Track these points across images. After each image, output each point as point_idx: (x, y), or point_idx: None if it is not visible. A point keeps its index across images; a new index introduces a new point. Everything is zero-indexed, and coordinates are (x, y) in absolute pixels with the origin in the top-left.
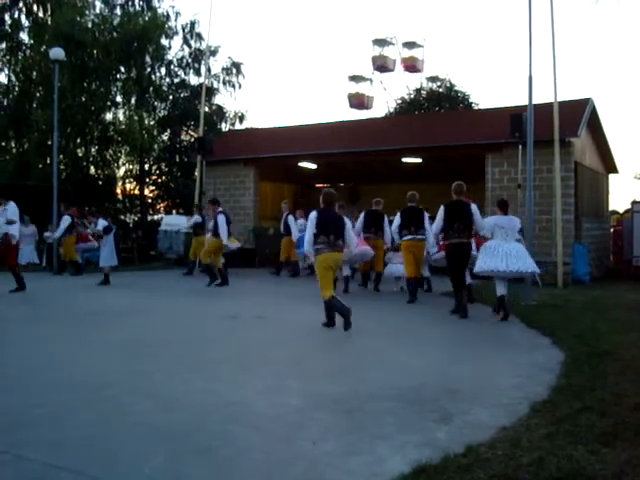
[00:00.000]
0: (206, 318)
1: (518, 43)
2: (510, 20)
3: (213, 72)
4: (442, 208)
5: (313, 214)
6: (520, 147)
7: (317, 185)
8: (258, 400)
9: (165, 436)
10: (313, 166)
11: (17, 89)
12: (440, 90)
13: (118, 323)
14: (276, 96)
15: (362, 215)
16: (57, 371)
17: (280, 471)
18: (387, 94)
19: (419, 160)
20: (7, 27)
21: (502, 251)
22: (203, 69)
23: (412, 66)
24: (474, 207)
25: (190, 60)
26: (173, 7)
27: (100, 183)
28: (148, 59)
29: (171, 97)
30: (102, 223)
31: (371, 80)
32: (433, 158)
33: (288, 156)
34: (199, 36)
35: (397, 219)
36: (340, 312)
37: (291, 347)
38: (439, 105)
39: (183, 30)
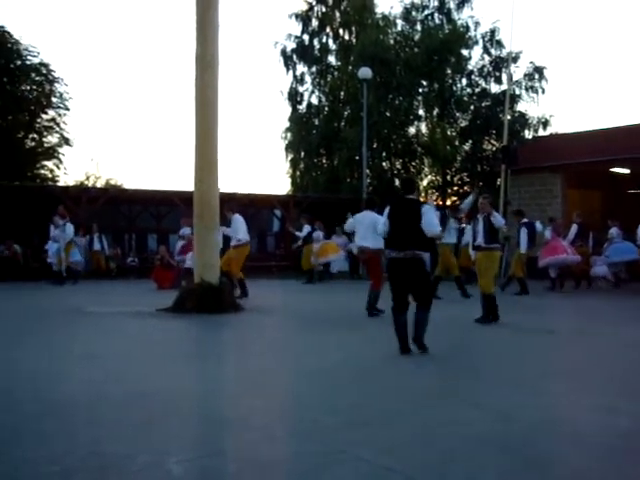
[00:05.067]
0: (519, 332)
1: None
2: None
3: (515, 79)
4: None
5: None
6: None
7: (629, 191)
8: (585, 418)
9: (495, 448)
10: (626, 171)
11: (327, 109)
12: None
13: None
14: (583, 98)
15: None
16: (382, 371)
17: None
18: None
19: None
20: (316, 52)
21: None
22: (504, 76)
23: None
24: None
25: (491, 68)
26: (472, 17)
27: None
28: (449, 71)
29: (472, 107)
30: None
31: None
32: None
33: (598, 161)
34: (499, 43)
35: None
36: None
37: (615, 363)
38: None
39: (483, 39)
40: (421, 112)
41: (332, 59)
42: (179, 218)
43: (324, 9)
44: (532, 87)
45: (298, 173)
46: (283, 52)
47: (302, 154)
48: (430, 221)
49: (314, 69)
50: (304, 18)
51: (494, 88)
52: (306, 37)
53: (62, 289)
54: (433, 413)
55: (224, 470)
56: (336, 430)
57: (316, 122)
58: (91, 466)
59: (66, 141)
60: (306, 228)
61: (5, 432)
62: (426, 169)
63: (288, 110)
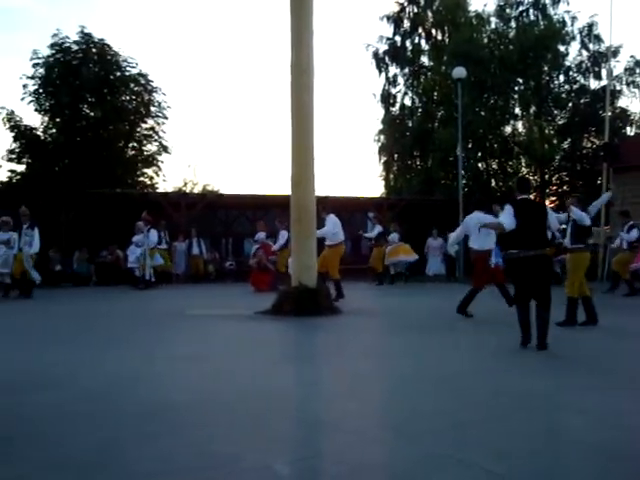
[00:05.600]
0: (619, 334)
1: None
2: None
3: (615, 74)
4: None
5: None
6: None
7: None
8: None
9: (607, 458)
10: None
11: (420, 110)
12: None
13: None
14: None
15: None
16: (481, 374)
17: None
18: None
19: None
20: (409, 53)
21: None
22: (604, 72)
23: None
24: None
25: (589, 64)
26: (568, 12)
27: (498, 195)
28: (545, 68)
29: (570, 104)
30: None
31: None
32: None
33: None
34: (597, 38)
35: None
36: None
37: None
38: None
39: (580, 34)
40: (517, 110)
41: (425, 60)
42: (275, 222)
43: (416, 9)
44: (633, 82)
45: (392, 175)
46: (375, 54)
47: (395, 156)
48: (554, 221)
49: (407, 70)
50: (396, 19)
51: (593, 84)
52: (398, 38)
53: (160, 293)
54: (538, 418)
55: (328, 472)
56: (434, 434)
57: (409, 124)
58: (199, 466)
59: (165, 149)
60: (377, 228)
61: (109, 433)
62: (523, 169)
63: (381, 112)
